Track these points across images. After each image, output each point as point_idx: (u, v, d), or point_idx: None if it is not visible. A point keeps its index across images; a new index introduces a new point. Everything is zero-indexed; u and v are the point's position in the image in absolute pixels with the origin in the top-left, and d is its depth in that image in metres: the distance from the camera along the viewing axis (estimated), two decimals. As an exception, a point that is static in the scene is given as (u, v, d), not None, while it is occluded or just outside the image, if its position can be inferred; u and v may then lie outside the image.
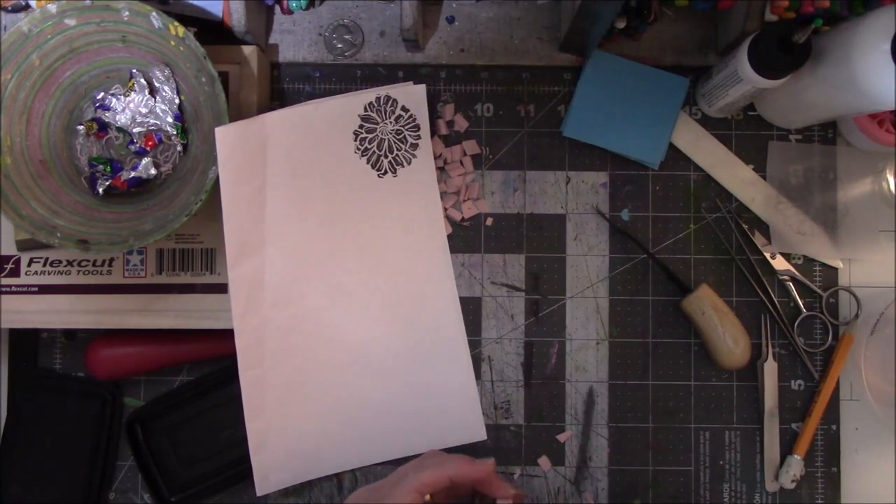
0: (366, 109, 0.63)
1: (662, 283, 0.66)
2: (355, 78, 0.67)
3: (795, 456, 0.64)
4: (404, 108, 0.63)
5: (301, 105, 0.63)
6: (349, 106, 0.63)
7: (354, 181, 0.63)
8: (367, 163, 0.63)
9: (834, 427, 0.66)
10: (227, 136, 0.60)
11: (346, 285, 0.63)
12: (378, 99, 0.63)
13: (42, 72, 0.61)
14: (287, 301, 0.63)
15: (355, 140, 0.63)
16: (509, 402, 0.66)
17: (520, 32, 0.68)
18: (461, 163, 0.67)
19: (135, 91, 0.62)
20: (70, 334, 0.67)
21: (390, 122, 0.63)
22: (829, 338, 0.66)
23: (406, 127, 0.63)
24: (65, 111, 0.63)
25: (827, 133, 0.67)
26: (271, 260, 0.62)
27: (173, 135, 0.63)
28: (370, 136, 0.63)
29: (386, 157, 0.63)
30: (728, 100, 0.62)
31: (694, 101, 0.67)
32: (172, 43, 0.60)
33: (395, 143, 0.63)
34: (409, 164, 0.64)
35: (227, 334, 0.62)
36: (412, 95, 0.64)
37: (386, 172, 0.63)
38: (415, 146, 0.64)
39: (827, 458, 0.66)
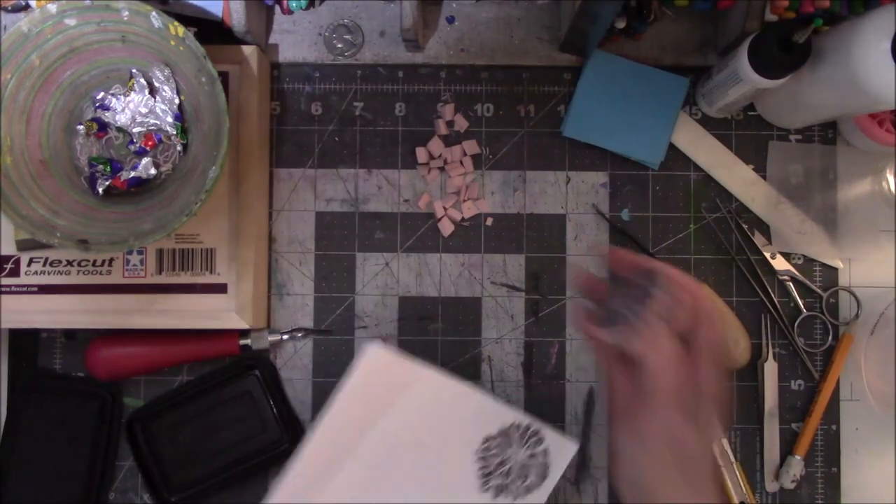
0: (511, 426, 0.61)
1: (662, 283, 0.66)
2: (355, 78, 0.67)
3: (795, 456, 0.64)
4: (545, 453, 0.61)
5: (457, 379, 0.60)
6: (499, 413, 0.60)
7: (455, 478, 0.60)
8: (479, 470, 0.60)
9: (834, 427, 0.66)
10: (378, 359, 0.58)
11: None
12: (528, 426, 0.61)
13: (42, 72, 0.60)
14: None
15: (483, 443, 0.60)
16: (509, 402, 0.66)
17: (520, 32, 0.68)
18: (461, 163, 0.67)
19: (135, 91, 0.62)
20: (70, 334, 0.67)
21: (524, 453, 0.61)
22: (829, 338, 0.66)
23: (534, 470, 0.60)
24: (65, 111, 0.63)
25: (827, 133, 0.67)
26: (337, 484, 0.59)
27: (173, 135, 0.63)
28: (497, 450, 0.60)
29: (498, 478, 0.60)
30: (728, 100, 0.62)
31: (694, 101, 0.67)
32: (172, 43, 0.60)
33: (516, 473, 0.60)
34: (514, 499, 0.60)
35: (227, 334, 0.62)
36: (561, 449, 0.61)
37: (489, 490, 0.60)
38: (529, 490, 0.60)
39: (827, 458, 0.66)
